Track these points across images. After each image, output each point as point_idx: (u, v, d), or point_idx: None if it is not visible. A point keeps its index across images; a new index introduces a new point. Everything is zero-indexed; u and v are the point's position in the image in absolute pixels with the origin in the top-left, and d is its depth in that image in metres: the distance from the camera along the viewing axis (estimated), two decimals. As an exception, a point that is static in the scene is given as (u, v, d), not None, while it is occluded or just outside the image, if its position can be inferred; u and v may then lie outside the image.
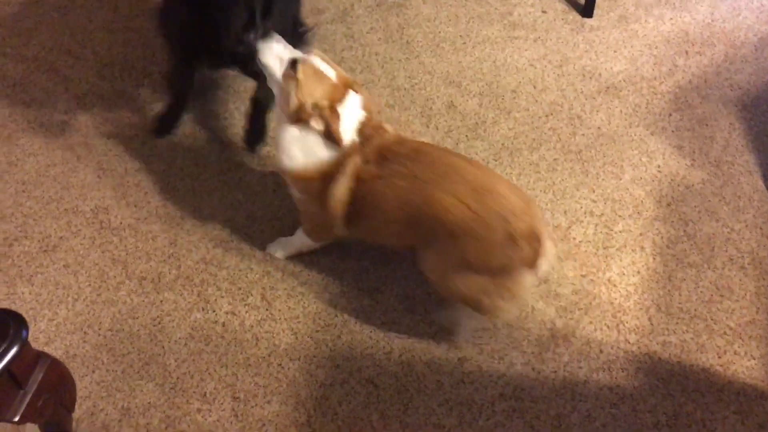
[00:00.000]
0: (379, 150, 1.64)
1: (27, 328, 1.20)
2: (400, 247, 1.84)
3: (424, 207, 1.58)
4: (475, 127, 2.32)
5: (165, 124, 2.26)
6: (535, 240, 1.55)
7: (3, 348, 1.16)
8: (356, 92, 1.67)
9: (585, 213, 2.10)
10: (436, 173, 1.58)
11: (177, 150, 2.22)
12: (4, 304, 1.83)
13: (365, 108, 1.69)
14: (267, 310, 1.86)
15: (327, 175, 1.65)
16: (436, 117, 2.34)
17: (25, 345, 1.18)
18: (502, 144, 2.27)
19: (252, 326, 1.83)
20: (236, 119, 2.31)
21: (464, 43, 2.60)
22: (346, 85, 1.66)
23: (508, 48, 2.57)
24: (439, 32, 2.64)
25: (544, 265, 1.60)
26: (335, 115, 1.61)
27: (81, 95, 2.34)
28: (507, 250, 1.54)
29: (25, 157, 2.18)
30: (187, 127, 2.29)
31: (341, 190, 1.65)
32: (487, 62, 2.52)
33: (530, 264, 1.57)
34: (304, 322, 1.85)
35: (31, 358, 1.25)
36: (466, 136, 2.29)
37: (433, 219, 1.57)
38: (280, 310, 1.86)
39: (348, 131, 1.64)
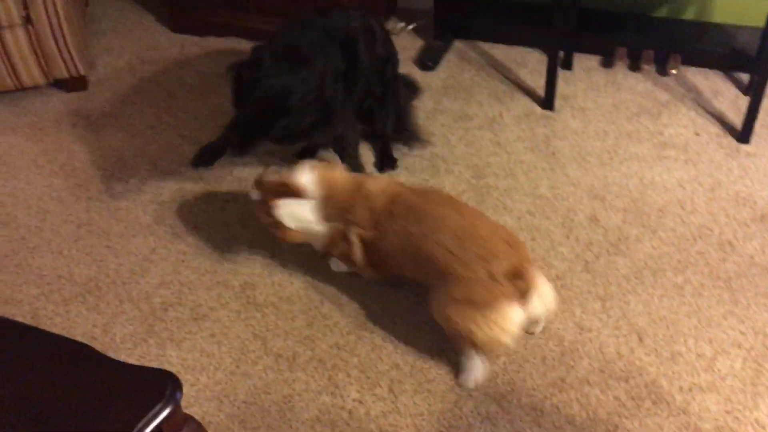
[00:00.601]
0: (373, 214, 1.98)
1: (181, 391, 1.29)
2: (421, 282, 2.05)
3: (419, 256, 1.89)
4: (617, 242, 2.29)
5: (204, 156, 2.58)
6: (518, 277, 1.77)
7: (158, 407, 1.24)
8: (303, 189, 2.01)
9: (732, 344, 1.98)
10: (424, 226, 1.89)
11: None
12: (155, 364, 1.97)
13: (324, 188, 2.02)
14: (393, 402, 1.88)
15: (337, 240, 2.05)
16: (577, 229, 2.34)
17: (177, 406, 1.27)
18: (645, 263, 2.21)
19: (377, 417, 1.85)
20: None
21: (611, 158, 2.60)
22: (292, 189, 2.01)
23: (657, 167, 2.55)
24: (586, 146, 2.66)
25: (536, 300, 1.81)
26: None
27: (243, 178, 2.55)
28: (489, 287, 1.76)
29: (189, 230, 2.38)
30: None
31: (354, 251, 2.02)
32: (634, 179, 2.51)
33: (517, 299, 1.77)
34: (428, 420, 1.84)
35: (180, 420, 1.33)
36: (607, 250, 2.26)
37: (427, 264, 1.87)
38: (406, 405, 1.87)
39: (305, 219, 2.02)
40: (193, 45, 3.33)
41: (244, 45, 3.28)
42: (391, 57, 2.61)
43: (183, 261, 2.28)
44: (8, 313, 2.11)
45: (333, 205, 2.02)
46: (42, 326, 2.07)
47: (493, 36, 3.23)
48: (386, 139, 2.66)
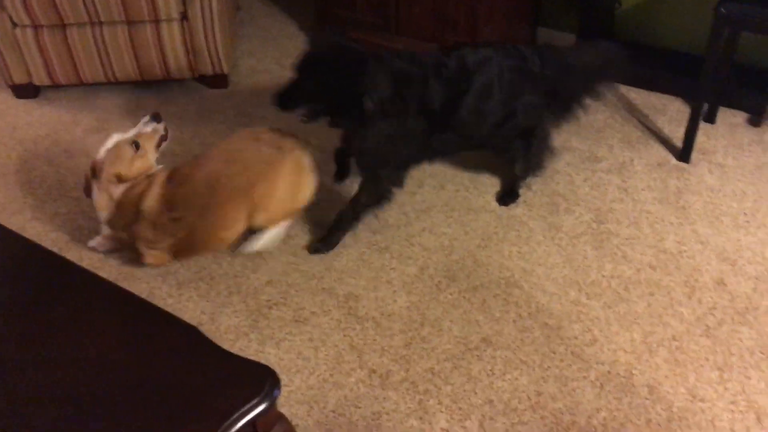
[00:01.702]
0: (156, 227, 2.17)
1: (279, 388, 1.30)
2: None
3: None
4: (745, 311, 2.13)
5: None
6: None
7: (255, 402, 1.26)
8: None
9: None
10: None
11: (433, 256, 2.33)
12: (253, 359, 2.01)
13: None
14: (481, 439, 1.83)
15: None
16: (701, 290, 2.20)
17: (273, 404, 1.28)
18: (774, 338, 2.05)
19: (463, 451, 1.80)
20: (492, 242, 2.38)
21: (747, 221, 2.44)
22: None
23: (799, 237, 2.36)
24: (721, 204, 2.51)
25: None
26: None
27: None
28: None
29: (303, 233, 2.43)
30: (444, 239, 2.40)
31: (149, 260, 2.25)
32: (771, 247, 2.34)
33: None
34: (516, 464, 1.77)
35: (274, 417, 1.35)
36: (732, 318, 2.11)
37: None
38: (494, 444, 1.82)
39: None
40: (330, 57, 3.42)
41: (380, 62, 3.34)
42: (554, 93, 2.40)
43: (293, 263, 2.32)
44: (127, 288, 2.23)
45: (119, 219, 2.19)
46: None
47: (632, 79, 3.12)
48: (518, 178, 2.58)
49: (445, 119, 2.27)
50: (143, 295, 2.18)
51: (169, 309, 2.14)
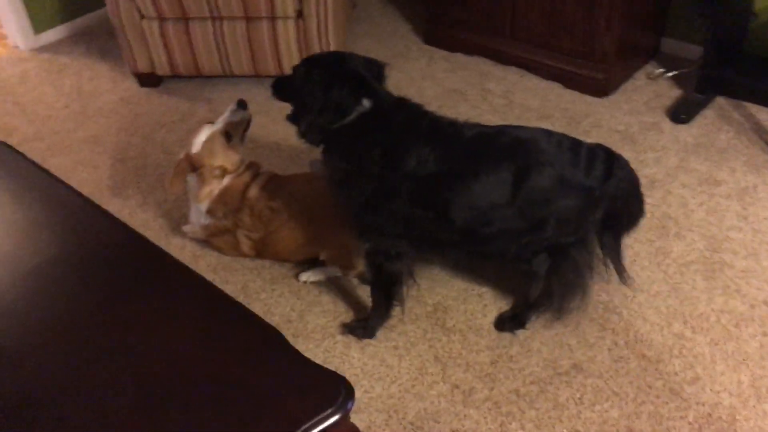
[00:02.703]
0: (258, 218, 2.23)
1: (353, 400, 1.29)
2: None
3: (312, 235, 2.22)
4: None
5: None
6: None
7: (328, 412, 1.25)
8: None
9: None
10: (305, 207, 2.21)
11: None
12: (337, 362, 2.01)
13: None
14: (563, 471, 1.75)
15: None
16: (824, 336, 2.01)
17: (346, 416, 1.27)
18: None
19: (542, 481, 1.73)
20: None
21: None
22: None
23: None
24: None
25: None
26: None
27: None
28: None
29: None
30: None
31: (243, 249, 2.36)
32: None
33: None
34: (597, 502, 1.68)
35: (347, 429, 1.33)
36: None
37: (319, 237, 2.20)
38: (576, 478, 1.73)
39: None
40: (440, 58, 3.39)
41: (490, 67, 3.28)
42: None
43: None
44: (223, 279, 2.29)
45: (221, 207, 2.23)
46: (249, 299, 2.22)
47: (763, 99, 2.89)
48: (529, 306, 2.07)
49: (431, 198, 1.81)
50: (238, 287, 2.25)
51: (261, 303, 2.20)
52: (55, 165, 2.85)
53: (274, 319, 2.16)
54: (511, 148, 1.80)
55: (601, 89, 3.04)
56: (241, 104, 2.27)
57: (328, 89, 1.80)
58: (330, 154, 1.91)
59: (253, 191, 2.22)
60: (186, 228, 2.40)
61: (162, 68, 3.20)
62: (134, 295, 1.49)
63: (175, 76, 3.27)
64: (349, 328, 2.10)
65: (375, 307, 2.06)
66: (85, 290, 1.50)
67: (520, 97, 3.08)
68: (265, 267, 2.34)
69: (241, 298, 2.23)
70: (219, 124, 2.23)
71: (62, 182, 1.82)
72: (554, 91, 3.11)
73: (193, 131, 2.27)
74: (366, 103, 1.83)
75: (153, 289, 1.51)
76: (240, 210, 2.21)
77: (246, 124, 2.29)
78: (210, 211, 2.25)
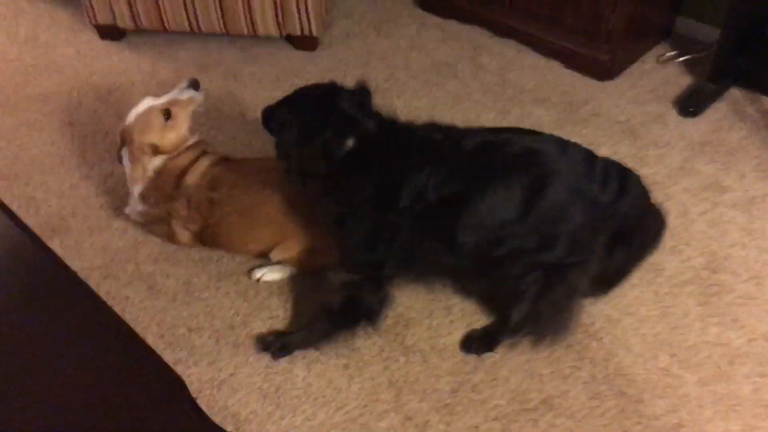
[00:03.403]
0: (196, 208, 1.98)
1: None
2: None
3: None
4: None
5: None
6: None
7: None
8: None
9: None
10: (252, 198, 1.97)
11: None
12: (279, 380, 1.80)
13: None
14: None
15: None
16: (828, 381, 1.78)
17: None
18: None
19: None
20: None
21: None
22: None
23: None
24: None
25: None
26: None
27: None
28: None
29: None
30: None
31: (179, 238, 2.11)
32: None
33: None
34: None
35: None
36: None
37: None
38: None
39: None
40: (433, 26, 3.08)
41: (486, 39, 2.98)
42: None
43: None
44: (164, 272, 2.06)
45: (153, 193, 2.00)
46: (189, 298, 1.99)
47: (783, 92, 2.61)
48: (506, 329, 1.84)
49: (435, 227, 1.67)
50: (179, 282, 2.03)
51: (202, 304, 1.98)
52: (-3, 125, 2.59)
53: (215, 324, 1.93)
54: (521, 158, 1.63)
55: (604, 72, 2.75)
56: (193, 83, 2.00)
57: (310, 138, 1.67)
58: (321, 197, 1.77)
59: (192, 177, 1.96)
60: (127, 210, 2.16)
61: (123, 21, 2.90)
62: (20, 312, 1.25)
63: (140, 31, 2.98)
64: (264, 343, 1.86)
65: (310, 328, 1.84)
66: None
67: (514, 76, 2.79)
68: (213, 260, 2.10)
69: (180, 296, 2.00)
70: (162, 99, 1.97)
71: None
72: (553, 70, 2.81)
73: (134, 103, 2.01)
74: (350, 142, 1.67)
75: (46, 308, 1.27)
76: (173, 198, 1.96)
77: (195, 104, 2.02)
78: (142, 196, 2.00)
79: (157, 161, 1.96)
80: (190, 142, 2.02)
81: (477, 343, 1.87)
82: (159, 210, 2.00)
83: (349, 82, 1.83)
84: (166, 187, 1.97)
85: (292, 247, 1.95)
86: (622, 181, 1.66)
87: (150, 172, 1.96)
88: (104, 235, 2.18)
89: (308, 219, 1.90)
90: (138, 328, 1.91)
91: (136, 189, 2.00)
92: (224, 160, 2.04)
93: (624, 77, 2.77)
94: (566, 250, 1.64)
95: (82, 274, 2.06)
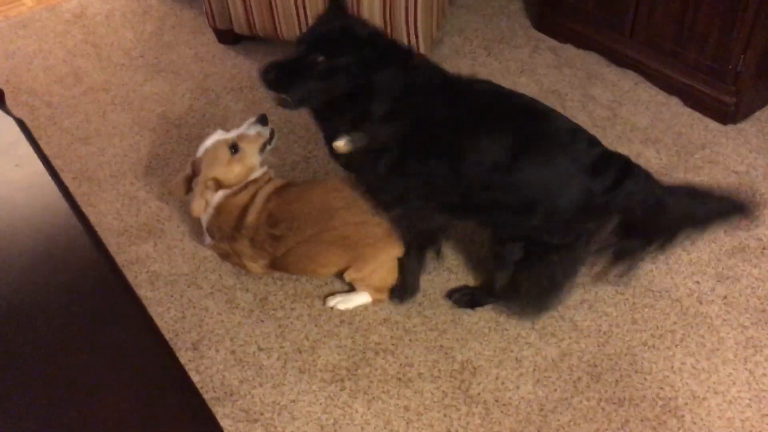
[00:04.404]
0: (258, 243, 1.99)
1: None
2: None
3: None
4: None
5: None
6: None
7: None
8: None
9: None
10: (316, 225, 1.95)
11: (582, 341, 1.91)
12: (337, 413, 1.80)
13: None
14: None
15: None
16: None
17: None
18: None
19: None
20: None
21: None
22: None
23: None
24: None
25: None
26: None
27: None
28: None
29: (437, 273, 2.12)
30: (604, 322, 1.96)
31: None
32: None
33: None
34: None
35: None
36: None
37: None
38: None
39: None
40: (547, 49, 2.96)
41: (602, 67, 2.83)
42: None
43: (419, 307, 2.04)
44: (243, 286, 2.10)
45: (217, 230, 2.03)
46: (264, 315, 2.02)
47: None
48: (491, 292, 1.98)
49: (445, 144, 1.74)
50: (257, 299, 2.07)
51: (275, 323, 2.01)
52: (113, 121, 2.74)
53: (284, 345, 1.96)
54: (523, 111, 1.75)
55: (727, 114, 2.54)
56: (261, 119, 2.01)
57: (374, 72, 1.68)
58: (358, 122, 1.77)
59: (251, 217, 1.95)
60: (207, 240, 2.19)
61: (240, 26, 2.98)
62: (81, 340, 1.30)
63: (255, 37, 3.05)
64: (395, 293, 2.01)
65: (405, 264, 1.95)
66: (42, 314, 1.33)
67: (627, 111, 2.64)
68: (292, 278, 2.13)
69: (256, 313, 2.04)
70: (231, 134, 2.00)
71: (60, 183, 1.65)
72: (670, 108, 2.63)
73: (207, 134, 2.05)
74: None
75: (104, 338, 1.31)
76: (235, 239, 1.99)
77: (264, 141, 2.03)
78: (209, 230, 2.05)
79: (218, 196, 1.98)
80: (257, 174, 2.02)
81: (462, 297, 2.00)
82: (225, 246, 2.04)
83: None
84: (226, 227, 1.99)
85: (361, 267, 1.94)
86: (622, 173, 1.66)
87: (211, 208, 1.99)
88: (195, 242, 2.26)
89: (372, 237, 1.90)
90: (212, 341, 1.97)
91: (203, 221, 2.05)
92: (280, 190, 2.00)
93: (749, 122, 2.55)
94: (543, 223, 1.70)
95: (169, 280, 2.15)
